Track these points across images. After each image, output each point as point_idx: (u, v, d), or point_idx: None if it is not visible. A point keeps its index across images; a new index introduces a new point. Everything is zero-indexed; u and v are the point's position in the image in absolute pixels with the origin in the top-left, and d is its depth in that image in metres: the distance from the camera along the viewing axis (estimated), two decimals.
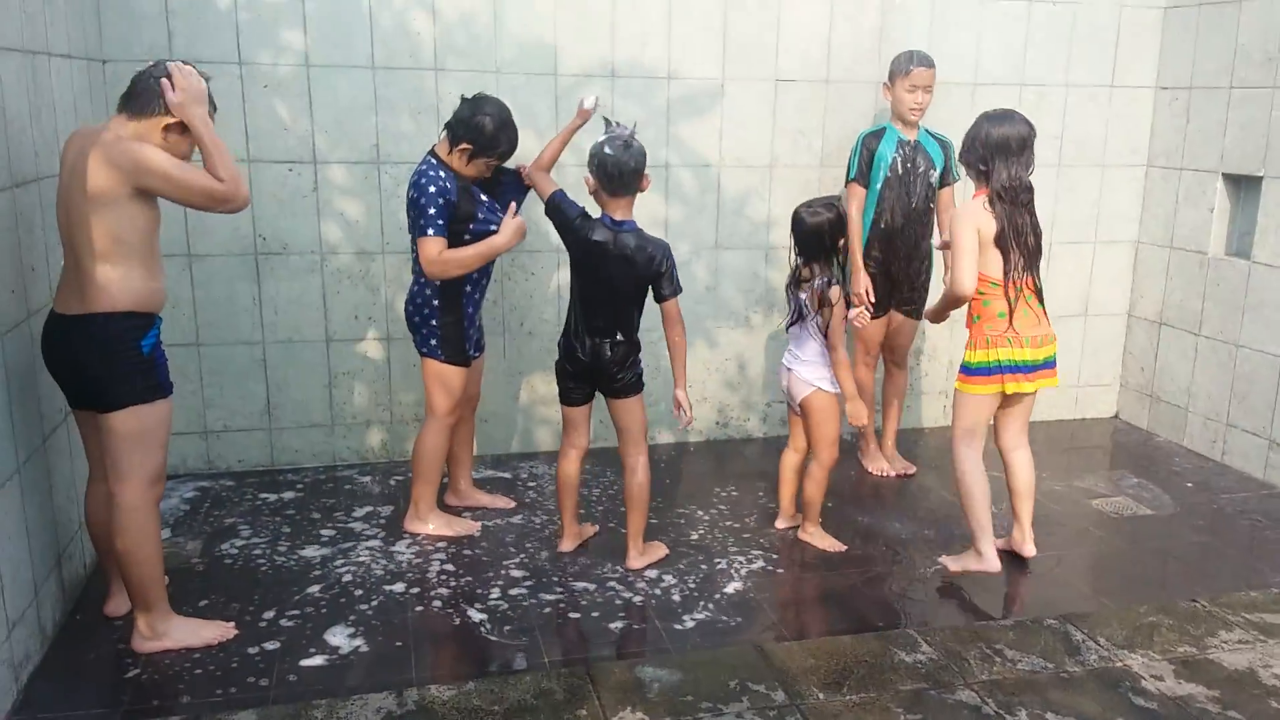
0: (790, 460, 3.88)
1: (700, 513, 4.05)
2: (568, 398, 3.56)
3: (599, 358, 3.43)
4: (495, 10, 4.22)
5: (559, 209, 3.44)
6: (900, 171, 4.23)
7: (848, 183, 4.33)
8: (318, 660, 2.93)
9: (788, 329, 3.73)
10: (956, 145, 4.46)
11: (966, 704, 2.70)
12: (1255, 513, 4.18)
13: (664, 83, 4.48)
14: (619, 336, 3.44)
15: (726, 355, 4.86)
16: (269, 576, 3.43)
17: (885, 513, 4.11)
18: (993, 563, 3.54)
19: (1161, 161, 5.07)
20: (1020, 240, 3.33)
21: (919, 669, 2.86)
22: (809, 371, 3.65)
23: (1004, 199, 3.31)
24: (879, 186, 4.26)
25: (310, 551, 3.62)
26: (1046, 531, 3.84)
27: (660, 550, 3.66)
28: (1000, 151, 3.32)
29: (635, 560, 3.55)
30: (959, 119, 4.80)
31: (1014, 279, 3.34)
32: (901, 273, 4.35)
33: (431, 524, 3.76)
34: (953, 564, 3.62)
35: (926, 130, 4.33)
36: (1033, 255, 3.38)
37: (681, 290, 3.47)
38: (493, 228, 3.49)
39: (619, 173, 3.28)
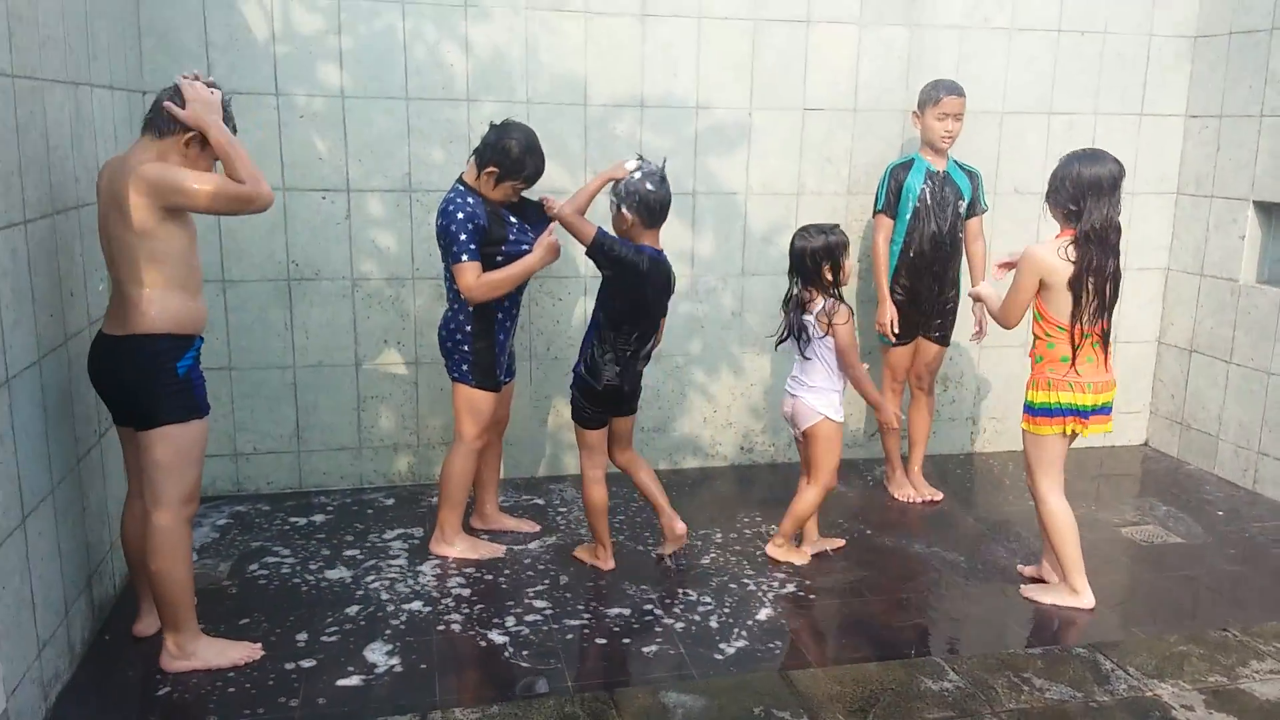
0: (802, 485, 3.88)
1: (725, 537, 4.05)
2: (598, 421, 3.62)
3: (638, 382, 3.63)
4: (526, 42, 4.30)
5: (612, 246, 3.45)
6: (929, 202, 4.24)
7: (875, 213, 4.35)
8: (344, 681, 2.95)
9: (777, 346, 3.80)
10: (985, 176, 4.51)
11: None
12: None
13: (692, 113, 4.53)
14: (650, 359, 3.65)
15: (752, 381, 4.87)
16: (296, 598, 3.46)
17: (912, 538, 4.08)
18: (1088, 599, 3.49)
19: (1191, 189, 5.05)
20: (1100, 283, 3.26)
21: (945, 697, 2.83)
22: (815, 399, 3.67)
23: (1093, 240, 3.25)
24: (907, 217, 4.27)
25: (337, 574, 3.66)
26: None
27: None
28: (1093, 191, 3.25)
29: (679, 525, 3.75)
30: (987, 148, 4.85)
31: (1083, 324, 3.29)
32: (930, 301, 4.35)
33: (457, 547, 3.79)
34: (1044, 597, 3.55)
35: (955, 161, 4.34)
36: (1110, 300, 3.31)
37: None
38: (524, 248, 3.56)
39: (660, 206, 3.49)
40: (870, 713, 2.75)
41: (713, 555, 3.88)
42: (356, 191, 4.25)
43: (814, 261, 3.63)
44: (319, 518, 4.16)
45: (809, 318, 3.63)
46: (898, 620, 3.43)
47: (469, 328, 3.61)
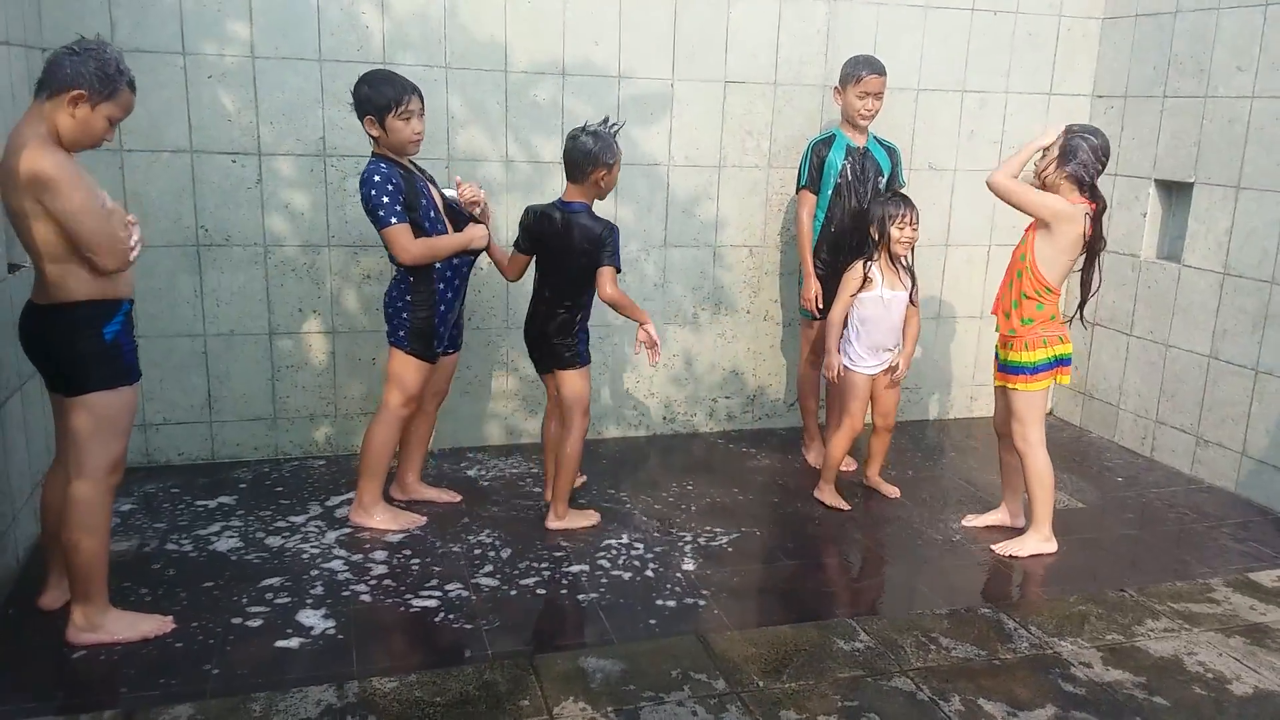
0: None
1: (646, 504, 4.08)
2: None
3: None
4: (445, 4, 4.22)
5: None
6: (850, 178, 4.30)
7: (799, 189, 4.39)
8: (259, 654, 2.90)
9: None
10: (904, 152, 4.58)
11: (902, 690, 2.77)
12: (1182, 506, 4.32)
13: (614, 82, 4.51)
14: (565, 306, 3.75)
15: (674, 351, 4.90)
16: (213, 570, 3.39)
17: (822, 506, 4.17)
18: (1054, 543, 3.79)
19: None
20: (1100, 249, 3.60)
21: (857, 657, 2.92)
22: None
23: (1101, 213, 3.54)
24: (829, 193, 4.32)
25: (253, 545, 3.59)
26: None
27: (589, 518, 3.89)
28: (1104, 168, 3.54)
29: (553, 522, 3.82)
30: (903, 124, 4.94)
31: (1087, 287, 3.65)
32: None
33: (376, 517, 3.75)
34: (1017, 549, 3.77)
35: (875, 137, 4.40)
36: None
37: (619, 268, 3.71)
38: (425, 225, 3.51)
39: (567, 159, 3.65)
40: (784, 672, 2.81)
41: (635, 522, 3.92)
42: (268, 155, 4.14)
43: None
44: (233, 490, 4.07)
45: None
46: (812, 583, 3.52)
47: (409, 296, 3.57)
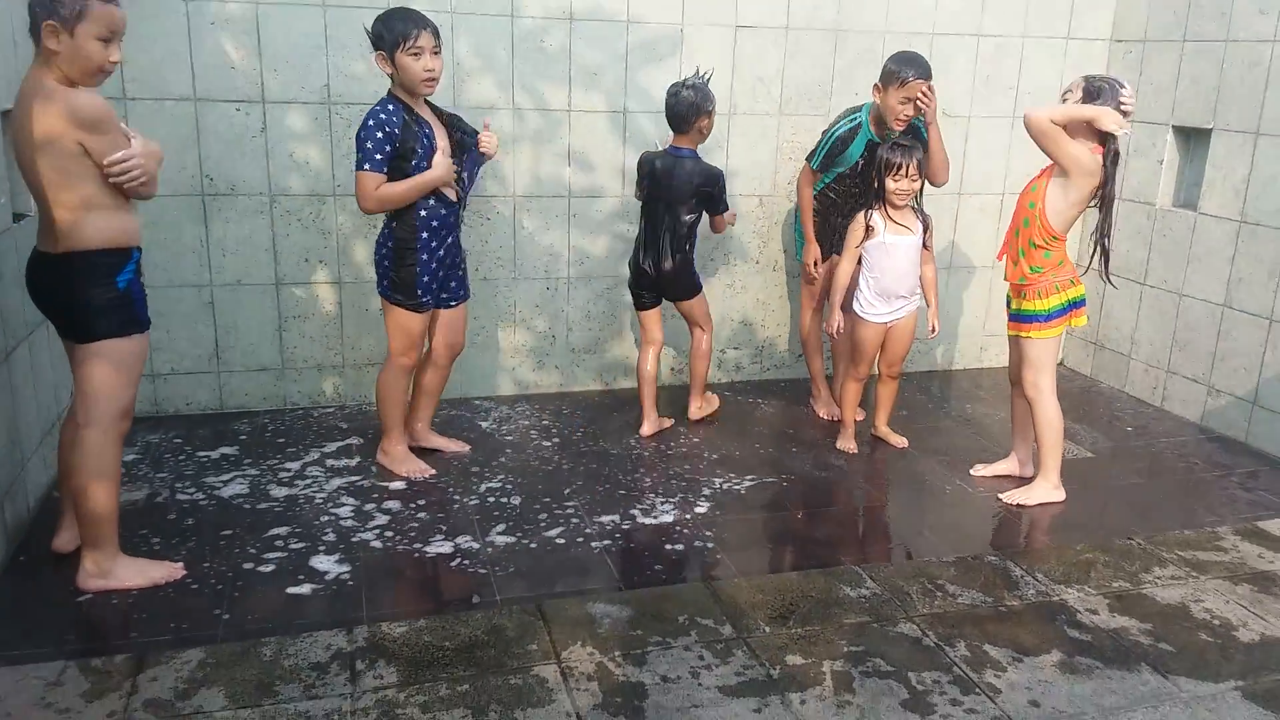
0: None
1: (656, 453, 4.09)
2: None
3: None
4: None
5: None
6: (860, 167, 4.19)
7: (808, 162, 4.30)
8: (271, 599, 2.93)
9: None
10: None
11: (908, 636, 2.78)
12: (1192, 456, 4.31)
13: (623, 27, 4.43)
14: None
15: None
16: (224, 518, 3.41)
17: (831, 452, 4.17)
18: (1063, 492, 3.79)
19: None
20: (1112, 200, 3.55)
21: (863, 603, 2.93)
22: None
23: (1112, 159, 3.46)
24: (835, 173, 4.26)
25: (264, 492, 3.61)
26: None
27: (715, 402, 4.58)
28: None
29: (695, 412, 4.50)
30: None
31: (1104, 230, 3.56)
32: (838, 232, 4.32)
33: (395, 462, 3.79)
34: (1025, 497, 3.78)
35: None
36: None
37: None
38: (425, 165, 3.46)
39: (669, 112, 4.03)
40: (790, 618, 2.83)
41: (645, 471, 3.92)
42: (273, 103, 4.09)
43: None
44: (242, 439, 4.09)
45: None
46: (820, 531, 3.53)
47: (390, 244, 3.54)
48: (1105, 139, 3.44)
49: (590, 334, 4.78)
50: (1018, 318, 3.68)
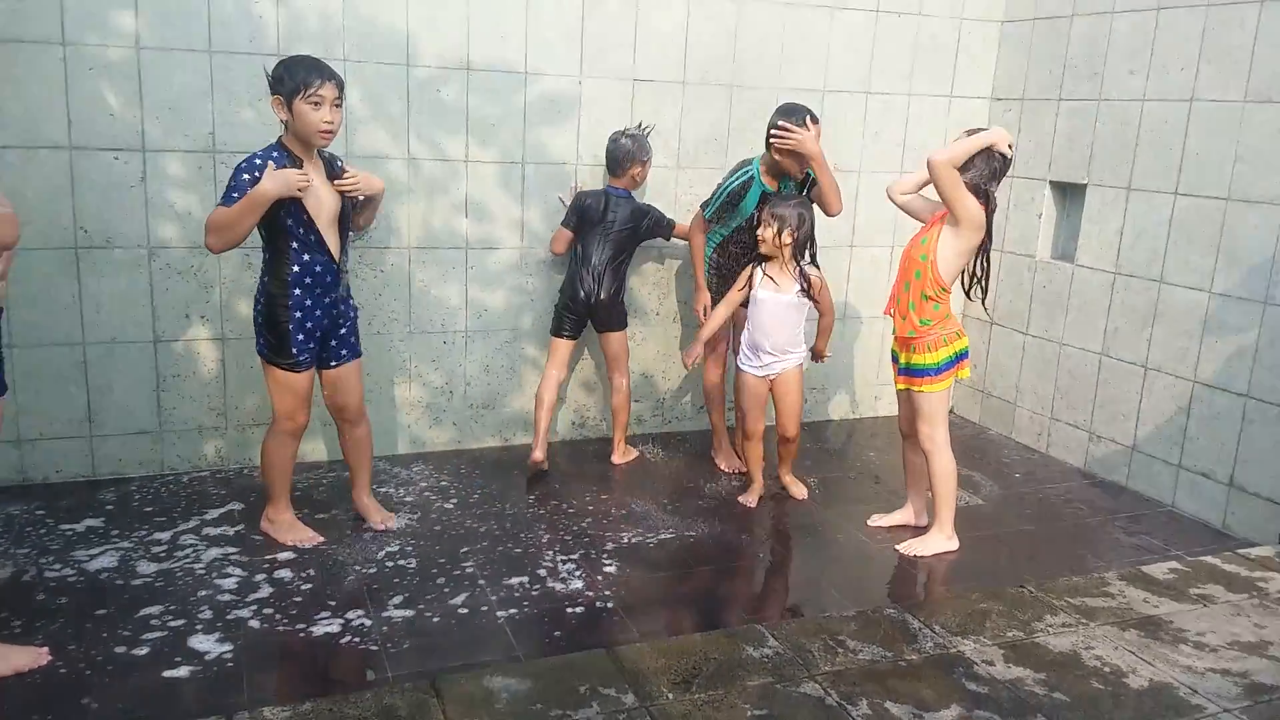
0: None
1: (558, 514, 4.02)
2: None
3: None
4: None
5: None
6: (754, 221, 4.16)
7: (702, 209, 4.33)
8: (144, 684, 2.74)
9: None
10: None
11: (811, 696, 2.76)
12: (1077, 501, 4.45)
13: (521, 79, 4.42)
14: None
15: (584, 357, 4.84)
16: (94, 595, 3.20)
17: (733, 505, 4.17)
18: (956, 541, 3.86)
19: None
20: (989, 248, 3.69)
21: (765, 663, 2.90)
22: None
23: (991, 218, 3.58)
24: (732, 226, 4.29)
25: (138, 567, 3.40)
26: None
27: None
28: (1001, 174, 3.57)
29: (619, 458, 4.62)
30: None
31: (983, 283, 3.73)
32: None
33: (277, 530, 3.63)
34: (921, 548, 3.83)
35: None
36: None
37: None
38: (288, 226, 3.31)
39: (606, 157, 4.39)
40: (694, 683, 2.78)
41: (546, 530, 3.84)
42: (153, 152, 3.93)
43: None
44: (115, 508, 3.86)
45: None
46: (721, 590, 3.50)
47: (263, 301, 3.40)
48: (985, 196, 3.55)
49: (489, 389, 4.70)
50: (908, 372, 3.75)
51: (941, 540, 3.84)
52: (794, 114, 4.03)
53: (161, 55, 3.86)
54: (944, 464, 3.76)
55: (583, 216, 4.37)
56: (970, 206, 3.49)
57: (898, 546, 3.85)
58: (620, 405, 4.59)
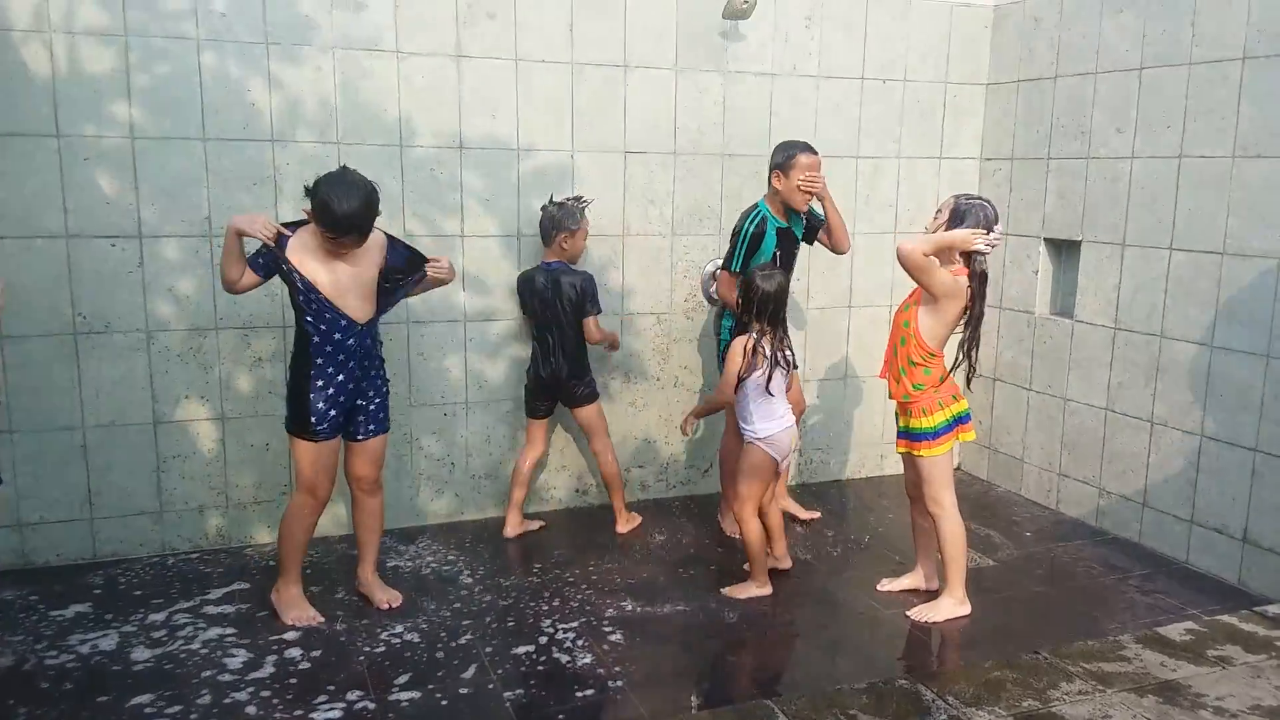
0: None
1: (564, 585, 3.96)
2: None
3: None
4: (336, 81, 4.13)
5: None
6: (779, 258, 4.21)
7: (727, 270, 4.26)
8: None
9: (767, 390, 3.79)
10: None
11: None
12: (1089, 560, 4.38)
13: (514, 154, 4.47)
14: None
15: None
16: (93, 683, 3.14)
17: (737, 577, 4.11)
18: (968, 605, 3.78)
19: None
20: (981, 312, 3.65)
21: None
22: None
23: (978, 279, 3.58)
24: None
25: (137, 653, 3.34)
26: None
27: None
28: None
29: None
30: None
31: (972, 348, 3.67)
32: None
33: (282, 607, 3.61)
34: (934, 614, 3.75)
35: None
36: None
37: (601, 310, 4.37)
38: (299, 298, 3.40)
39: (540, 227, 4.32)
40: None
41: (551, 601, 3.79)
42: (150, 238, 3.97)
43: (783, 297, 3.84)
44: (115, 591, 3.81)
45: (790, 351, 3.89)
46: (732, 661, 3.43)
47: (290, 371, 3.48)
48: (970, 259, 3.56)
49: (490, 459, 4.67)
50: (907, 435, 3.72)
51: (953, 605, 3.77)
52: (798, 145, 4.19)
53: (156, 143, 3.93)
54: (952, 528, 3.71)
55: (531, 295, 4.33)
56: (943, 281, 3.52)
57: (909, 613, 3.78)
58: (610, 474, 4.56)
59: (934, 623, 3.72)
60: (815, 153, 4.21)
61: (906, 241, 3.53)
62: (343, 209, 3.22)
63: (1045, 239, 5.02)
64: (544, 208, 4.30)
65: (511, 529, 4.48)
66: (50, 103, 3.76)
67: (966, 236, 3.51)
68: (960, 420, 3.70)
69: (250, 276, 3.41)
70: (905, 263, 3.50)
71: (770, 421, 3.82)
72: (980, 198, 3.64)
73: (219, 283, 4.04)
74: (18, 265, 3.79)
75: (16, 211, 3.77)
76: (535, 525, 4.57)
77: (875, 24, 5.02)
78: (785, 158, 4.18)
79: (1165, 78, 4.33)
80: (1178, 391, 4.33)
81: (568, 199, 4.30)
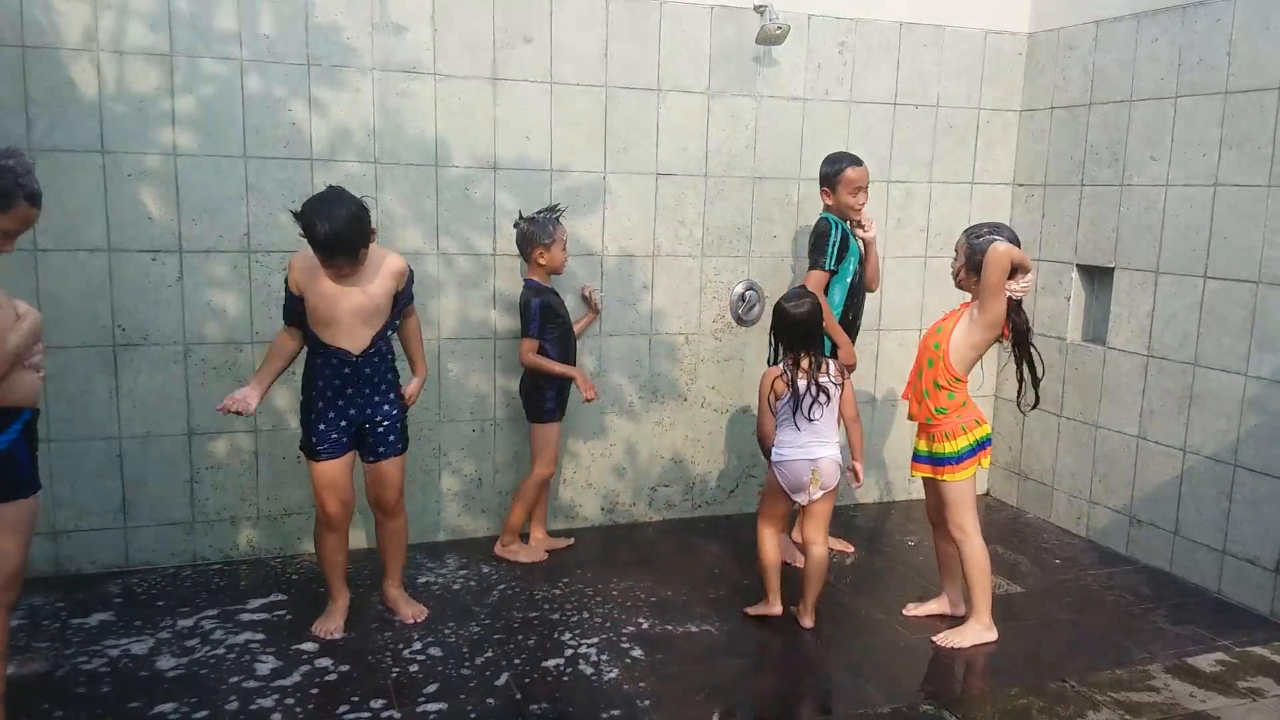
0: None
1: (589, 603, 3.97)
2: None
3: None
4: (374, 102, 4.22)
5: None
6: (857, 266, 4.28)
7: (820, 268, 4.19)
8: None
9: (792, 419, 3.71)
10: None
11: None
12: (1119, 588, 4.33)
13: (547, 175, 4.53)
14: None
15: (613, 441, 4.85)
16: (123, 690, 3.19)
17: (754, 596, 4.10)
18: (995, 631, 3.75)
19: None
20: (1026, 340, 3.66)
21: None
22: (836, 453, 3.77)
23: (1020, 333, 3.64)
24: (849, 274, 4.26)
25: (166, 661, 3.40)
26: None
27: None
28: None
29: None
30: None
31: (1029, 377, 3.69)
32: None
33: (320, 620, 3.68)
34: (960, 640, 3.73)
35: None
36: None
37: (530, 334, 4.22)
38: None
39: (517, 244, 4.29)
40: None
41: (576, 617, 3.80)
42: (190, 252, 4.06)
43: (813, 325, 3.74)
44: (148, 598, 3.88)
45: (827, 379, 3.72)
46: (759, 682, 3.42)
47: (301, 386, 3.55)
48: (1018, 309, 3.60)
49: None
50: (931, 460, 3.71)
51: (979, 630, 3.74)
52: (845, 158, 4.22)
53: (198, 160, 4.02)
54: (975, 553, 3.69)
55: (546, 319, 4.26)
56: (1000, 307, 3.51)
57: (934, 638, 3.76)
58: (521, 493, 4.40)
59: (960, 648, 3.69)
60: (862, 164, 4.22)
61: (1004, 244, 3.49)
62: (325, 229, 3.18)
63: (1078, 265, 4.99)
64: (515, 224, 4.25)
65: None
66: (97, 119, 3.87)
67: (1024, 258, 3.52)
68: (982, 445, 3.68)
69: (295, 336, 3.51)
70: (994, 266, 3.43)
71: (786, 449, 3.73)
72: (993, 226, 3.63)
73: (257, 298, 4.14)
74: (60, 277, 3.89)
75: (60, 225, 3.87)
76: (564, 543, 4.59)
77: (908, 50, 5.04)
78: (833, 170, 4.20)
79: (1200, 105, 4.31)
80: (1212, 420, 4.28)
81: (538, 212, 4.23)
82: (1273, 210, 4.01)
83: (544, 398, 4.29)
